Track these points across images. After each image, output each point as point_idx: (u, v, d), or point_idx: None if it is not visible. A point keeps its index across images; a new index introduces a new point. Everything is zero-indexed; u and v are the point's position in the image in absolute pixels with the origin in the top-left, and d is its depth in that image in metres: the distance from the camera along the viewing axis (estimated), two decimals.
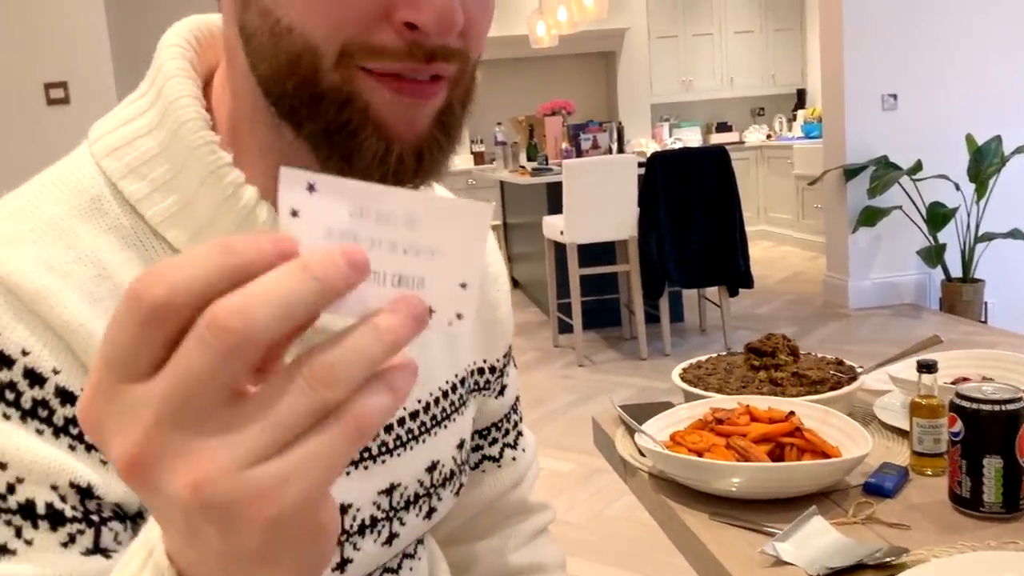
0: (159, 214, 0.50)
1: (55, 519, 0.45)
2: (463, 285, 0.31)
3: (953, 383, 1.04)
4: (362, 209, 0.30)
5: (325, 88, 0.45)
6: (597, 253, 4.10)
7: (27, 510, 0.44)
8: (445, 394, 0.66)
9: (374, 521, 0.60)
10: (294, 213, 0.30)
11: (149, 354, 0.26)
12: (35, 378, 0.45)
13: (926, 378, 0.93)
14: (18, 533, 0.44)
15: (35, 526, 0.44)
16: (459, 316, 0.31)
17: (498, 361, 0.74)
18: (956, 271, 4.51)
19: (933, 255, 4.45)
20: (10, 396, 0.45)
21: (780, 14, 7.99)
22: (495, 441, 0.78)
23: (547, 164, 4.93)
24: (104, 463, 0.47)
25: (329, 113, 0.46)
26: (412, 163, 0.48)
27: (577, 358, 4.11)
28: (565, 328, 4.37)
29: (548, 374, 4.00)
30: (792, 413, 0.93)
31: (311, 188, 0.30)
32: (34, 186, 0.52)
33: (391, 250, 0.30)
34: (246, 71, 0.49)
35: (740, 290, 4.07)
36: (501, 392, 0.76)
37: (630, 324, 4.40)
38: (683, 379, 1.14)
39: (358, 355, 0.27)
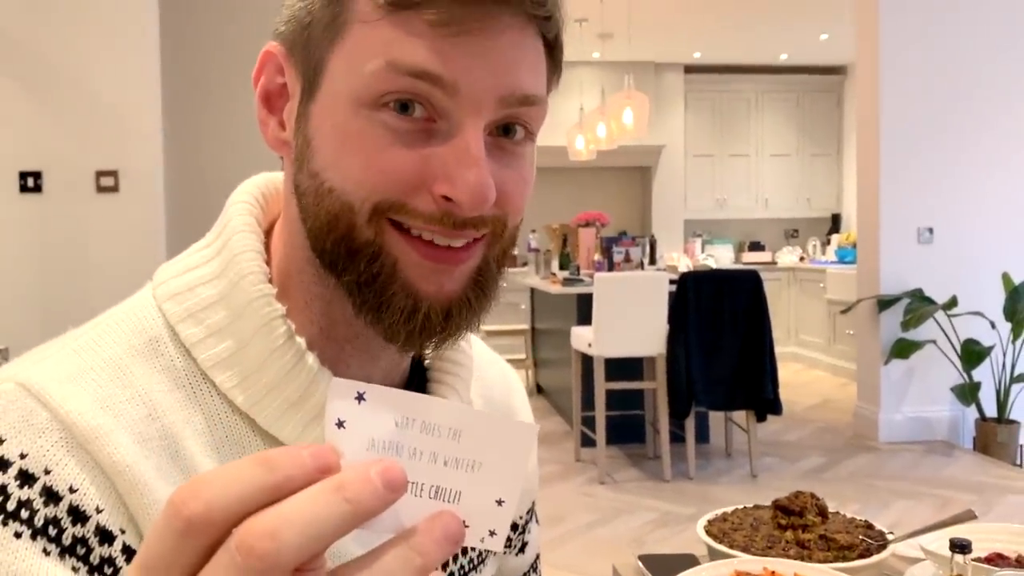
0: (211, 358, 0.52)
1: None
2: (499, 502, 0.31)
3: (987, 560, 1.00)
4: (408, 419, 0.30)
5: (360, 243, 0.49)
6: (624, 368, 4.08)
7: None
8: (464, 551, 0.65)
9: None
10: (340, 424, 0.30)
11: (183, 565, 0.27)
12: (78, 515, 0.46)
13: (959, 558, 0.90)
14: None
15: None
16: (492, 533, 0.31)
17: (520, 518, 0.74)
18: (991, 410, 4.41)
19: (967, 393, 4.36)
20: (52, 532, 0.46)
21: (817, 138, 8.16)
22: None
23: (578, 274, 4.98)
24: None
25: (361, 266, 0.50)
26: (439, 321, 0.51)
27: (599, 475, 4.03)
28: (588, 442, 4.31)
29: (568, 490, 3.93)
30: None
31: (360, 398, 0.30)
32: (99, 324, 0.55)
33: (432, 461, 0.30)
34: (299, 225, 0.53)
35: (768, 415, 4.01)
36: (521, 550, 0.75)
37: (654, 442, 4.33)
38: (708, 532, 1.12)
39: None
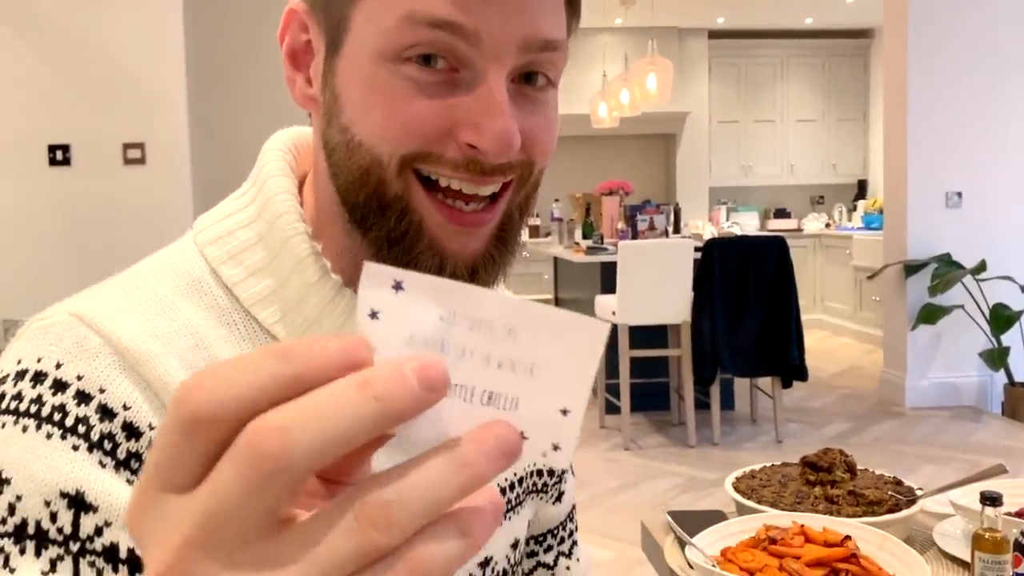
0: (253, 296, 0.55)
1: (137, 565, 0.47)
2: (564, 412, 0.26)
3: (1018, 514, 1.01)
4: (455, 314, 0.26)
5: (389, 198, 0.51)
6: (648, 335, 4.09)
7: (111, 553, 0.47)
8: (503, 491, 0.67)
9: None
10: (373, 315, 0.26)
11: (189, 466, 0.24)
12: (132, 431, 0.49)
13: (990, 511, 0.90)
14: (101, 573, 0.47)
15: (115, 570, 0.47)
16: (556, 447, 0.26)
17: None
18: (1021, 375, 4.37)
19: (996, 358, 4.32)
20: (108, 446, 0.48)
21: (843, 104, 8.03)
22: (550, 548, 0.78)
23: (602, 243, 4.97)
24: None
25: (391, 222, 0.51)
26: (465, 278, 0.52)
27: (623, 441, 4.05)
28: (612, 409, 4.33)
29: (593, 456, 3.95)
30: (848, 538, 0.91)
31: (397, 287, 0.26)
32: (143, 266, 0.57)
33: (483, 363, 0.26)
34: (328, 181, 0.54)
35: (794, 382, 4.00)
36: (558, 499, 0.77)
37: (679, 409, 4.34)
38: (736, 489, 1.13)
39: (422, 493, 0.23)
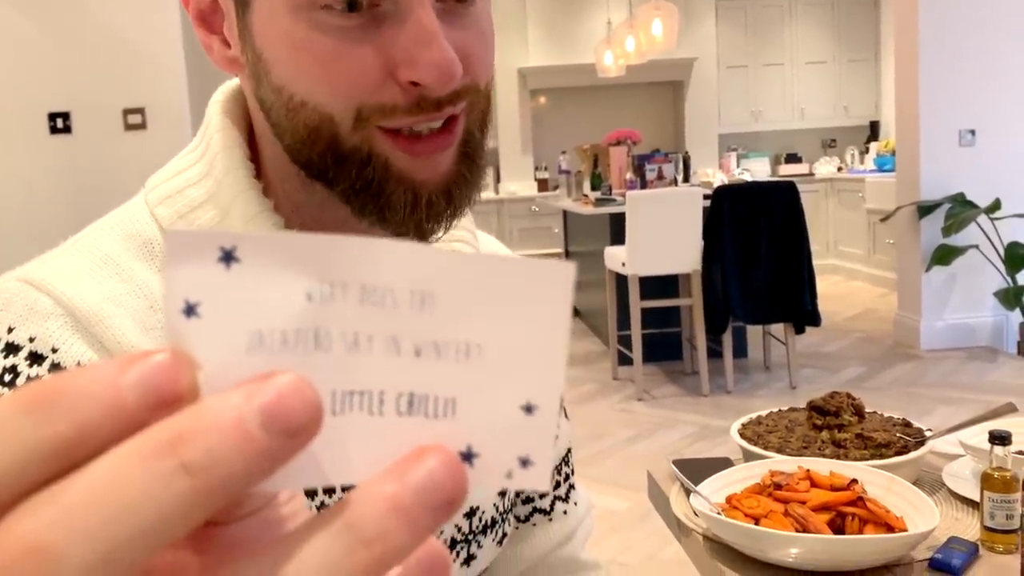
0: None
1: None
2: (528, 408, 0.18)
3: None
4: (332, 283, 0.17)
5: (347, 150, 0.49)
6: (659, 285, 4.06)
7: None
8: None
9: None
10: (190, 310, 0.17)
11: None
12: None
13: (999, 450, 0.89)
14: None
15: None
16: (524, 462, 0.18)
17: None
18: None
19: (1011, 297, 4.27)
20: None
21: (854, 44, 7.85)
22: (545, 494, 0.77)
23: (611, 194, 4.93)
24: None
25: (353, 173, 0.49)
26: (443, 203, 0.51)
27: (636, 392, 4.06)
28: (625, 360, 4.33)
29: (606, 407, 3.97)
30: (855, 481, 0.90)
31: (227, 257, 0.17)
32: (94, 228, 0.56)
33: (392, 352, 0.18)
34: (271, 138, 0.52)
35: (807, 328, 3.98)
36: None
37: (691, 358, 4.34)
38: (742, 435, 1.12)
39: None
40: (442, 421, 0.18)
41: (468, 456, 0.18)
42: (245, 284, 0.17)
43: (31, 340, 0.48)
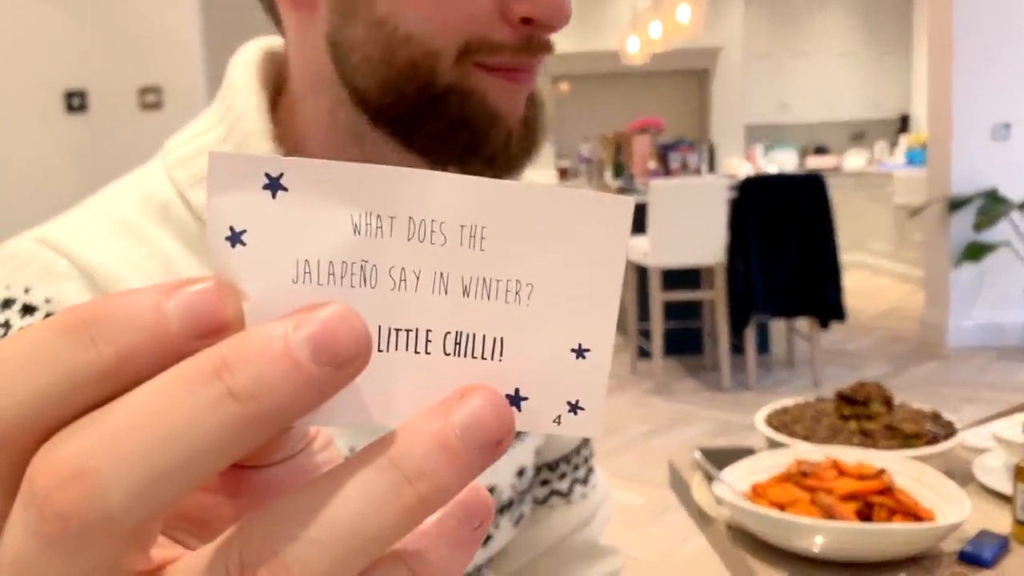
0: None
1: None
2: (580, 352, 0.18)
3: None
4: (380, 216, 0.17)
5: (442, 88, 0.48)
6: (681, 278, 4.03)
7: None
8: None
9: None
10: (235, 237, 0.16)
11: None
12: None
13: None
14: None
15: None
16: (574, 407, 0.18)
17: None
18: None
19: None
20: None
21: (885, 35, 7.73)
22: (564, 476, 0.76)
23: (632, 183, 4.88)
24: None
25: (452, 110, 0.48)
26: (529, 139, 0.51)
27: (655, 386, 4.03)
28: (644, 353, 4.30)
29: (624, 401, 3.94)
30: (883, 471, 0.87)
31: (274, 184, 0.16)
32: (111, 190, 0.55)
33: (438, 290, 0.17)
34: (331, 88, 0.50)
35: (832, 324, 3.92)
36: None
37: (713, 353, 4.30)
38: (768, 425, 1.09)
39: (340, 538, 0.15)
40: (489, 362, 0.18)
41: (516, 399, 0.18)
42: (291, 213, 0.16)
43: (47, 301, 0.47)
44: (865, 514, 0.84)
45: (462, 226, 0.17)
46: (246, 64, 0.55)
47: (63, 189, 3.77)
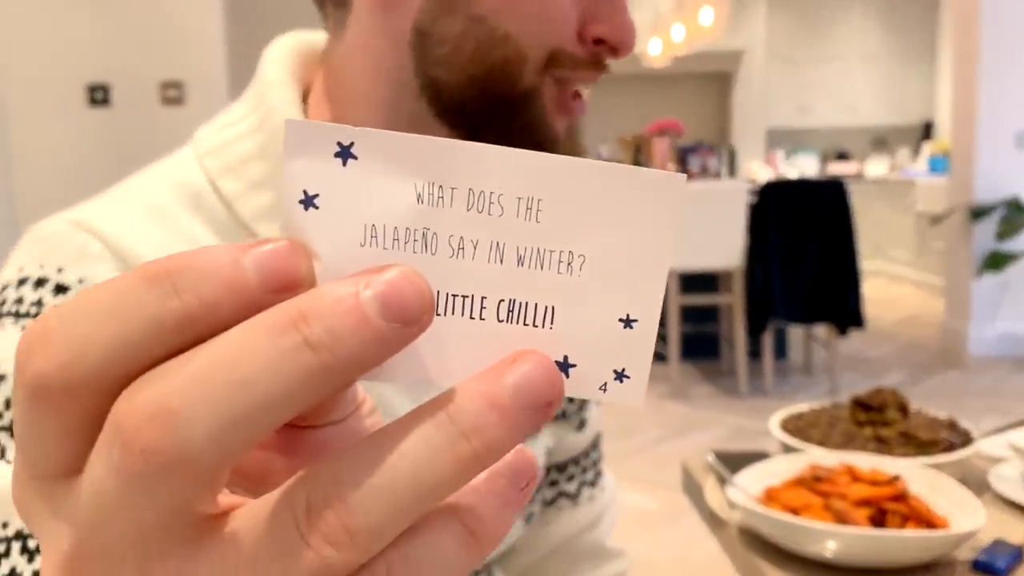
0: (254, 211, 0.53)
1: None
2: (627, 322, 0.19)
3: None
4: (442, 187, 0.18)
5: (523, 91, 0.50)
6: (698, 281, 4.02)
7: None
8: None
9: None
10: (308, 201, 0.17)
11: (57, 450, 0.17)
12: None
13: None
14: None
15: None
16: (620, 375, 0.19)
17: None
18: None
19: None
20: None
21: (910, 40, 7.67)
22: (572, 477, 0.76)
23: None
24: None
25: (524, 114, 0.50)
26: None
27: (671, 390, 4.02)
28: (660, 357, 4.29)
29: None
30: (898, 477, 0.87)
31: (344, 152, 0.17)
32: (141, 178, 0.55)
33: (495, 259, 0.18)
34: (399, 77, 0.51)
35: (850, 331, 3.89)
36: (581, 427, 0.74)
37: (729, 358, 4.28)
38: (782, 429, 1.09)
39: (400, 486, 0.16)
40: (540, 330, 0.18)
41: (564, 366, 0.18)
42: (360, 179, 0.17)
43: (80, 281, 0.48)
44: (878, 520, 0.84)
45: (519, 198, 0.18)
46: (279, 58, 0.56)
47: (85, 182, 3.79)
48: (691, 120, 7.29)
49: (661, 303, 0.19)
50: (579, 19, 0.49)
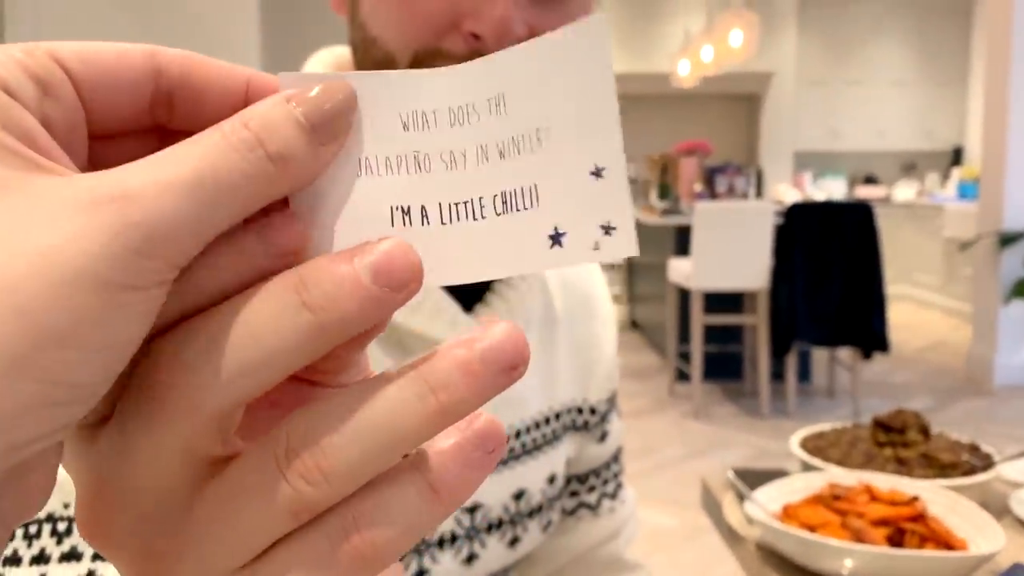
0: None
1: None
2: (597, 172, 0.19)
3: None
4: (424, 112, 0.19)
5: None
6: (723, 301, 4.01)
7: None
8: (537, 424, 0.66)
9: (453, 537, 0.61)
10: None
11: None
12: None
13: None
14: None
15: None
16: (607, 229, 0.19)
17: (599, 403, 0.74)
18: None
19: None
20: None
21: (941, 65, 7.62)
22: (593, 488, 0.77)
23: (678, 205, 4.88)
24: None
25: None
26: None
27: (693, 409, 4.00)
28: (683, 376, 4.27)
29: (661, 423, 3.92)
30: (916, 498, 0.87)
31: None
32: None
33: (482, 160, 0.20)
34: None
35: (875, 355, 3.86)
36: (602, 438, 0.76)
37: (752, 379, 4.26)
38: (803, 448, 1.10)
39: (371, 430, 0.18)
40: (531, 210, 0.20)
41: (557, 237, 0.19)
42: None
43: None
44: (896, 540, 0.84)
45: (488, 100, 0.19)
46: (318, 67, 0.60)
47: None
48: (719, 141, 7.29)
49: (622, 144, 0.19)
50: (454, 15, 0.50)
